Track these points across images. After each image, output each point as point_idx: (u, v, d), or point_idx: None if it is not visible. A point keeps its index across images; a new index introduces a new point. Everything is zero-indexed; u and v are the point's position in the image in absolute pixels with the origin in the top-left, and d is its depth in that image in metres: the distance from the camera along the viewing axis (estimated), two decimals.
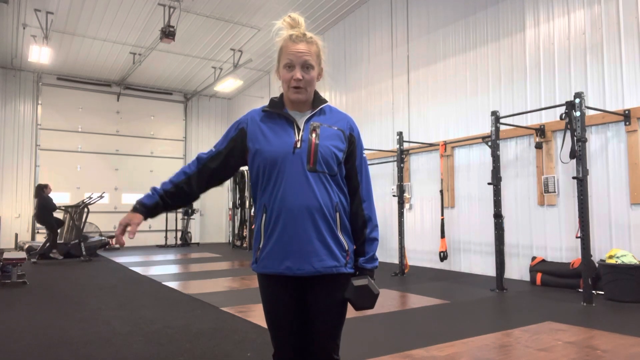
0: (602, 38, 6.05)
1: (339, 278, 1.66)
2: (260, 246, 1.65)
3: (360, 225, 1.72)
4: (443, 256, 7.17)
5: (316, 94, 1.73)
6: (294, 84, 1.63)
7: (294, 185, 1.58)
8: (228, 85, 13.73)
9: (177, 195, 1.72)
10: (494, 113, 6.17)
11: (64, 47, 11.66)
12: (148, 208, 1.68)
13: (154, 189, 1.71)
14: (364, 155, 1.78)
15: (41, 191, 9.89)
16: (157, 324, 4.29)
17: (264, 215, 1.63)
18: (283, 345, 1.69)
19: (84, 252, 9.93)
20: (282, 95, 1.73)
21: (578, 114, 5.18)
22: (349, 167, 1.73)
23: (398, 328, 4.14)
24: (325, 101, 1.74)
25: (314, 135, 1.63)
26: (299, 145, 1.62)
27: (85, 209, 10.29)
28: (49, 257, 9.77)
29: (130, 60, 12.42)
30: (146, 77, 14.10)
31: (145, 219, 1.68)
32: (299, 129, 1.65)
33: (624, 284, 5.06)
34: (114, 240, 10.92)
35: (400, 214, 7.60)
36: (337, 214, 1.64)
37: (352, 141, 1.73)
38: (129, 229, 1.64)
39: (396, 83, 9.29)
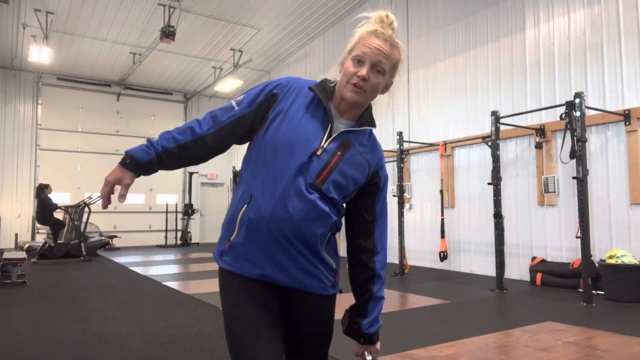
0: (602, 38, 6.05)
1: (325, 299, 1.45)
2: (232, 238, 1.38)
3: (366, 278, 1.48)
4: (443, 256, 7.17)
5: (369, 110, 1.48)
6: (355, 81, 1.33)
7: (291, 192, 1.32)
8: (228, 85, 13.74)
9: (179, 157, 1.40)
10: (494, 113, 6.17)
11: (64, 47, 11.66)
12: (141, 165, 1.36)
13: (150, 143, 1.37)
14: (387, 200, 1.54)
15: (41, 191, 9.90)
16: (157, 324, 4.29)
17: (246, 205, 1.35)
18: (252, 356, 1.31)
19: (84, 252, 9.93)
20: (335, 87, 1.42)
21: (578, 114, 5.18)
22: (366, 204, 1.48)
23: (398, 328, 4.14)
24: (374, 124, 1.48)
25: (339, 152, 1.37)
26: (319, 152, 1.35)
27: (86, 209, 10.29)
28: (51, 257, 9.74)
29: (130, 60, 12.42)
30: (146, 77, 14.10)
31: (137, 176, 1.38)
32: (330, 135, 1.37)
33: (624, 284, 5.06)
34: (112, 240, 10.93)
35: (400, 214, 7.60)
36: (329, 233, 1.41)
37: (376, 182, 1.47)
38: (118, 190, 1.36)
39: (396, 83, 9.22)
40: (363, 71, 1.32)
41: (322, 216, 1.35)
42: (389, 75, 1.41)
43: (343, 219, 1.50)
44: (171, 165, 1.41)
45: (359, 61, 1.34)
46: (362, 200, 1.48)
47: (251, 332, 1.32)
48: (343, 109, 1.41)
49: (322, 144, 1.36)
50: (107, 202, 1.35)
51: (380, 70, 1.36)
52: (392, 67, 1.40)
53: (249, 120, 1.41)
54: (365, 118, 1.46)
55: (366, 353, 1.53)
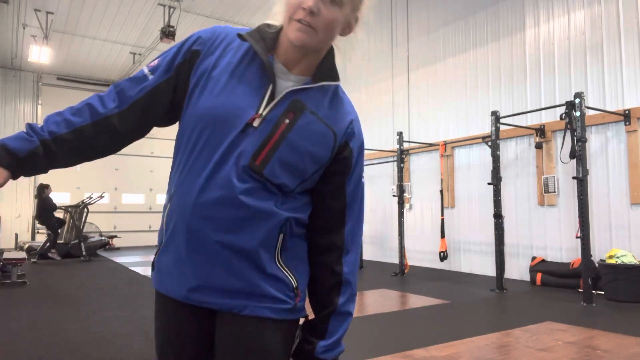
0: (602, 38, 6.05)
1: (279, 327, 1.04)
2: (160, 247, 1.09)
3: (329, 285, 1.09)
4: (443, 256, 7.17)
5: (329, 58, 1.07)
6: (300, 16, 0.96)
7: (220, 180, 0.98)
8: None
9: (77, 147, 1.04)
10: (494, 113, 6.17)
11: (64, 47, 11.66)
12: (20, 159, 0.98)
13: (31, 128, 1.00)
14: (363, 179, 1.14)
15: (42, 191, 9.90)
16: None
17: (169, 205, 1.06)
18: None
19: (84, 252, 9.93)
20: (278, 31, 1.05)
21: (578, 114, 5.18)
22: (332, 188, 1.09)
23: (398, 328, 4.14)
24: (337, 77, 1.07)
25: (287, 120, 1.01)
26: (256, 123, 0.99)
27: (85, 209, 10.29)
28: (48, 257, 9.76)
29: (130, 60, 12.41)
30: None
31: (14, 177, 0.99)
32: (271, 98, 1.01)
33: (624, 284, 5.06)
34: (112, 240, 10.91)
35: (400, 214, 7.59)
36: (281, 236, 1.03)
37: (345, 156, 1.08)
38: None
39: (396, 83, 9.29)
40: (310, 1, 0.94)
41: (259, 215, 0.99)
42: (350, 8, 1.01)
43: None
44: (65, 158, 1.04)
45: None
46: (326, 183, 1.09)
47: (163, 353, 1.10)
48: (291, 60, 1.03)
49: (260, 111, 0.99)
50: None
51: (337, 1, 0.97)
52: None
53: (168, 92, 1.06)
54: (324, 71, 1.06)
55: None
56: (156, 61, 1.08)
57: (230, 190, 0.97)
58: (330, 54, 1.07)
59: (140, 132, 1.09)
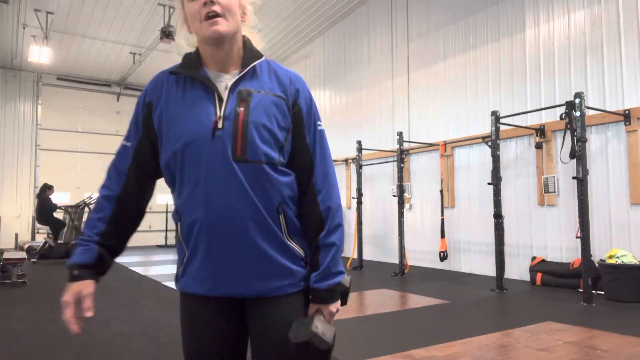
0: (602, 38, 6.05)
1: (296, 297, 1.21)
2: (184, 260, 1.23)
3: (315, 227, 1.23)
4: (443, 256, 7.17)
5: (247, 44, 1.26)
6: (204, 12, 1.12)
7: (216, 186, 1.13)
8: None
9: (122, 230, 1.24)
10: (494, 113, 6.17)
11: (64, 47, 11.66)
12: (93, 266, 1.18)
13: (83, 241, 1.20)
14: (320, 127, 1.27)
15: (42, 192, 9.92)
16: (157, 324, 4.29)
17: (179, 224, 1.22)
18: None
19: None
20: (198, 50, 1.23)
21: (578, 114, 5.18)
22: (295, 147, 1.23)
23: (398, 328, 4.14)
24: (261, 55, 1.26)
25: (242, 108, 1.15)
26: (220, 124, 1.13)
27: (86, 209, 10.29)
28: (51, 257, 9.72)
29: (130, 60, 12.42)
30: (146, 77, 14.08)
31: (97, 281, 1.20)
32: (221, 100, 1.16)
33: (624, 284, 5.06)
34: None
35: (400, 214, 7.59)
36: (281, 217, 1.18)
37: (298, 111, 1.22)
38: (84, 305, 1.14)
39: (396, 83, 9.29)
40: None
41: (264, 187, 1.15)
42: None
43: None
44: (122, 243, 1.25)
45: None
46: (294, 144, 1.23)
47: (194, 355, 1.22)
48: (220, 62, 1.20)
49: (218, 114, 1.14)
50: (75, 326, 1.15)
51: None
52: None
53: (148, 147, 1.23)
54: (248, 56, 1.23)
55: (316, 317, 1.17)
56: (126, 130, 1.27)
57: (235, 179, 1.13)
58: (246, 42, 1.26)
59: (150, 185, 1.30)
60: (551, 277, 6.10)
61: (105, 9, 9.82)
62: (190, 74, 1.19)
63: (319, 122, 1.28)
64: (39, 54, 10.34)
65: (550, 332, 3.88)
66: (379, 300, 5.33)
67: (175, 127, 1.17)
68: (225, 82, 1.20)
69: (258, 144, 1.14)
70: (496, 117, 6.14)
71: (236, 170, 1.13)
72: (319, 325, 1.15)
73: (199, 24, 1.15)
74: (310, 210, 1.23)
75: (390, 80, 9.44)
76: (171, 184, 1.25)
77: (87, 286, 1.16)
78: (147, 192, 1.29)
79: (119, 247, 1.25)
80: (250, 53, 1.25)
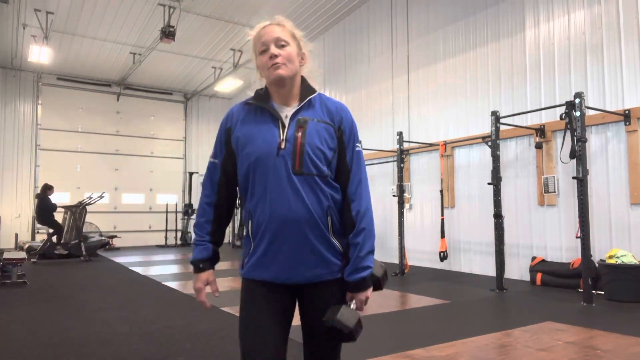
0: (602, 38, 6.05)
1: (334, 284, 1.53)
2: (250, 251, 1.54)
3: (349, 228, 1.54)
4: (443, 256, 7.17)
5: (304, 82, 1.59)
6: (271, 63, 1.49)
7: (279, 193, 1.45)
8: (228, 85, 13.74)
9: (221, 229, 1.63)
10: (494, 113, 6.17)
11: (64, 47, 11.66)
12: (211, 259, 1.58)
13: (199, 239, 1.59)
14: (357, 148, 1.58)
15: (43, 192, 9.92)
16: (157, 324, 4.29)
17: (250, 222, 1.53)
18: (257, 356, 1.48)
19: (84, 252, 9.93)
20: (267, 87, 1.58)
21: (578, 114, 5.18)
22: (339, 164, 1.55)
23: (398, 328, 4.14)
24: (315, 91, 1.58)
25: (299, 133, 1.48)
26: (283, 145, 1.47)
27: (84, 210, 10.30)
28: (52, 257, 9.74)
29: (130, 60, 12.42)
30: (146, 77, 14.10)
31: (213, 269, 1.61)
32: (284, 126, 1.50)
33: (624, 284, 5.06)
34: (112, 240, 10.97)
35: (400, 214, 7.59)
36: (329, 218, 1.50)
37: (341, 135, 1.55)
38: (209, 289, 1.57)
39: (396, 83, 9.29)
40: (272, 50, 1.49)
41: (316, 194, 1.47)
42: (295, 46, 1.54)
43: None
44: (222, 237, 1.63)
45: (264, 51, 1.52)
46: (338, 161, 1.55)
47: (251, 332, 1.49)
48: (284, 97, 1.54)
49: (282, 137, 1.47)
50: (209, 304, 1.58)
51: (283, 43, 1.51)
52: (292, 37, 1.54)
53: (230, 162, 1.58)
54: (305, 92, 1.56)
55: (344, 306, 1.47)
56: (213, 150, 1.62)
57: (293, 188, 1.45)
58: (304, 80, 1.59)
59: (234, 191, 1.64)
60: (551, 277, 6.10)
61: (105, 9, 9.82)
62: (261, 105, 1.53)
63: (357, 144, 1.58)
64: (39, 54, 10.34)
65: (550, 332, 3.88)
66: (379, 301, 5.33)
67: (249, 146, 1.50)
68: (286, 112, 1.53)
69: (311, 161, 1.46)
70: (496, 117, 6.14)
71: (295, 181, 1.45)
72: (345, 313, 1.44)
73: (267, 69, 1.51)
74: (346, 215, 1.53)
75: (390, 80, 9.44)
76: (244, 190, 1.55)
77: (210, 274, 1.57)
78: (234, 197, 1.64)
79: (221, 240, 1.63)
80: (306, 89, 1.57)
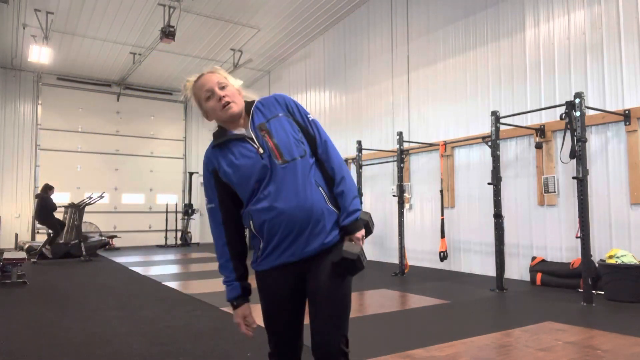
0: (602, 38, 6.05)
1: (333, 245, 1.69)
2: (261, 246, 1.69)
3: (331, 184, 1.72)
4: (443, 256, 7.16)
5: (245, 102, 1.78)
6: (220, 105, 1.69)
7: (278, 185, 1.63)
8: None
9: (241, 259, 1.78)
10: (494, 113, 6.17)
11: (64, 47, 11.66)
12: (242, 296, 1.75)
13: (227, 281, 1.76)
14: (311, 118, 1.79)
15: (43, 192, 9.92)
16: (157, 324, 4.29)
17: (251, 221, 1.68)
18: (280, 340, 1.71)
19: (84, 252, 9.93)
20: (220, 126, 1.79)
21: (578, 114, 5.18)
22: (307, 138, 1.75)
23: (398, 328, 4.14)
24: (253, 101, 1.78)
25: (265, 134, 1.68)
26: (261, 151, 1.66)
27: (85, 209, 10.30)
28: (43, 256, 9.71)
29: (130, 60, 12.41)
30: (146, 77, 14.10)
31: (249, 302, 1.77)
32: (251, 139, 1.69)
33: (624, 284, 5.06)
34: (112, 240, 10.98)
35: (400, 214, 7.59)
36: (320, 189, 1.68)
37: (292, 115, 1.75)
38: (248, 321, 1.74)
39: (396, 83, 9.29)
40: (216, 94, 1.69)
41: (304, 172, 1.66)
42: (231, 85, 1.76)
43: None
44: (245, 264, 1.79)
45: (209, 97, 1.71)
46: (305, 136, 1.74)
47: (272, 320, 1.72)
48: (237, 124, 1.75)
49: (256, 146, 1.68)
50: (249, 334, 1.75)
51: (224, 85, 1.72)
52: (225, 78, 1.75)
53: (227, 195, 1.75)
54: (248, 107, 1.77)
55: (345, 243, 1.67)
56: (205, 198, 1.80)
57: (287, 177, 1.64)
58: (247, 103, 1.78)
59: (239, 216, 1.76)
60: (551, 277, 6.10)
61: (105, 9, 9.81)
62: (226, 139, 1.72)
63: (308, 115, 1.78)
64: (39, 54, 10.34)
65: (550, 332, 3.88)
66: (379, 300, 5.33)
67: (239, 171, 1.67)
68: (244, 131, 1.73)
69: (287, 148, 1.66)
70: (496, 117, 6.14)
71: (285, 169, 1.63)
72: (348, 245, 1.65)
73: (220, 112, 1.70)
74: (325, 175, 1.72)
75: (390, 80, 9.44)
76: (248, 200, 1.69)
77: (245, 309, 1.75)
78: (241, 225, 1.77)
79: (246, 271, 1.78)
80: (249, 105, 1.77)
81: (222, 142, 1.73)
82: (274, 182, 1.63)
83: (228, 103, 1.69)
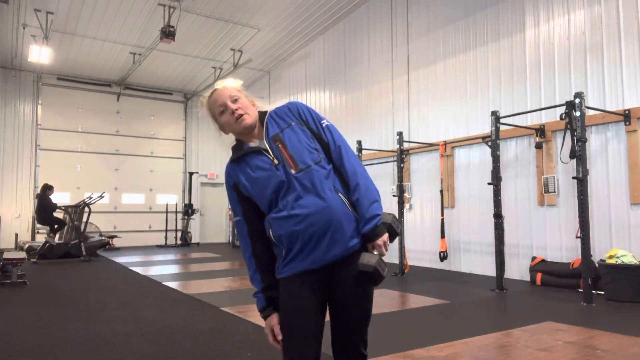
0: (602, 38, 6.05)
1: (353, 256, 1.67)
2: (283, 254, 1.68)
3: (349, 190, 1.70)
4: (443, 256, 7.17)
5: (261, 114, 1.79)
6: (235, 117, 1.70)
7: (294, 194, 1.63)
8: None
9: (267, 269, 1.76)
10: (494, 113, 6.17)
11: (64, 47, 11.66)
12: (268, 306, 1.73)
13: (257, 292, 1.76)
14: (326, 124, 1.77)
15: (43, 191, 9.92)
16: (157, 324, 4.29)
17: (270, 230, 1.69)
18: (297, 353, 1.64)
19: (84, 252, 9.93)
20: (237, 140, 1.81)
21: (578, 114, 5.18)
22: (321, 145, 1.73)
23: (398, 328, 4.14)
24: (266, 112, 1.79)
25: (280, 145, 1.69)
26: (276, 162, 1.67)
27: (87, 209, 10.30)
28: (44, 256, 9.71)
29: (130, 60, 12.41)
30: (146, 77, 14.10)
31: (277, 312, 1.72)
32: (267, 150, 1.70)
33: (624, 284, 5.06)
34: (112, 240, 10.98)
35: (400, 214, 7.59)
36: (340, 194, 1.66)
37: (307, 123, 1.75)
38: (275, 331, 1.70)
39: (396, 83, 9.28)
40: (231, 106, 1.71)
41: (320, 178, 1.64)
42: (244, 96, 1.77)
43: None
44: (273, 274, 1.74)
45: (223, 111, 1.73)
46: (319, 143, 1.73)
47: (293, 327, 1.66)
48: (254, 136, 1.76)
49: (271, 158, 1.68)
50: (279, 346, 1.69)
51: (236, 98, 1.73)
52: (238, 92, 1.76)
53: (250, 207, 1.76)
54: (261, 118, 1.78)
55: (363, 254, 1.62)
56: (230, 209, 1.84)
57: (305, 185, 1.63)
58: (261, 114, 1.79)
59: (263, 229, 1.74)
60: (551, 277, 6.10)
61: (105, 9, 9.81)
62: (242, 153, 1.74)
63: (323, 121, 1.76)
64: (39, 54, 10.34)
65: (550, 332, 3.88)
66: (379, 300, 5.33)
67: (256, 184, 1.69)
68: (260, 142, 1.73)
69: (300, 157, 1.66)
70: (496, 117, 6.14)
71: (301, 178, 1.63)
72: (365, 256, 1.59)
73: (234, 125, 1.72)
74: (341, 180, 1.70)
75: (390, 80, 9.44)
76: (268, 210, 1.70)
77: (272, 319, 1.70)
78: (265, 236, 1.74)
79: (273, 281, 1.73)
80: (262, 116, 1.77)
81: (240, 156, 1.74)
82: (290, 191, 1.63)
83: (241, 115, 1.70)
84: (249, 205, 1.76)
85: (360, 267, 1.58)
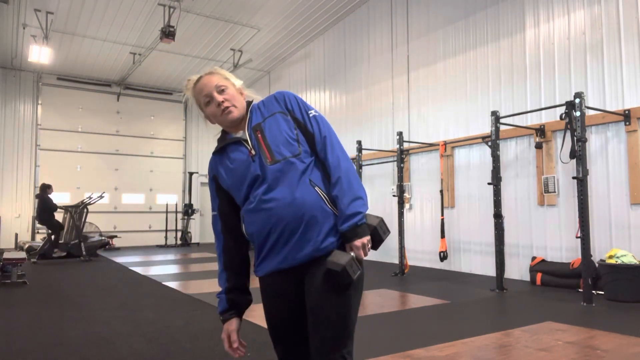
0: (602, 38, 6.05)
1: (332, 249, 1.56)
2: (260, 254, 1.61)
3: (331, 185, 1.57)
4: (443, 256, 7.16)
5: (247, 104, 1.70)
6: (220, 109, 1.61)
7: (267, 186, 1.53)
8: None
9: (233, 269, 1.68)
10: (494, 113, 6.17)
11: (64, 47, 11.66)
12: (229, 308, 1.65)
13: (219, 294, 1.68)
14: (313, 114, 1.65)
15: (43, 191, 9.91)
16: (157, 324, 4.29)
17: (243, 224, 1.63)
18: (286, 347, 1.62)
19: (84, 252, 9.93)
20: (223, 130, 1.73)
21: (578, 114, 5.18)
22: (305, 135, 1.63)
23: (398, 328, 4.14)
24: (252, 101, 1.72)
25: (259, 135, 1.60)
26: (253, 152, 1.59)
27: (85, 209, 10.29)
28: (51, 257, 9.75)
29: (130, 60, 12.41)
30: (146, 77, 14.10)
31: (239, 318, 1.66)
32: (246, 140, 1.62)
33: (624, 284, 5.06)
34: (112, 240, 10.97)
35: (400, 214, 7.59)
36: (316, 189, 1.54)
37: (291, 110, 1.65)
38: (232, 338, 1.62)
39: (396, 83, 9.28)
40: (215, 99, 1.62)
41: (295, 170, 1.54)
42: (231, 85, 1.67)
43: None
44: (241, 280, 1.68)
45: (209, 102, 1.64)
46: (304, 134, 1.63)
47: (274, 326, 1.63)
48: (237, 127, 1.68)
49: (250, 150, 1.60)
50: (235, 352, 1.63)
51: (223, 88, 1.63)
52: (225, 79, 1.66)
53: (227, 203, 1.69)
54: (247, 106, 1.69)
55: (335, 251, 1.50)
56: (211, 203, 1.74)
57: (278, 178, 1.54)
58: (246, 103, 1.70)
59: (242, 236, 1.68)
60: (551, 277, 6.10)
61: (105, 9, 9.81)
62: (224, 144, 1.66)
63: (310, 111, 1.65)
64: (39, 54, 10.34)
65: (550, 332, 3.88)
66: (379, 300, 5.33)
67: (232, 176, 1.62)
68: (242, 132, 1.66)
69: (277, 148, 1.57)
70: (496, 117, 6.14)
71: (275, 170, 1.53)
72: (336, 254, 1.47)
73: (220, 117, 1.64)
74: (326, 174, 1.59)
75: (390, 80, 9.44)
76: (242, 204, 1.63)
77: (231, 324, 1.64)
78: (243, 243, 1.69)
79: (241, 284, 1.68)
80: (248, 105, 1.69)
81: (221, 147, 1.68)
82: (263, 183, 1.54)
83: (227, 108, 1.61)
84: (227, 200, 1.68)
85: (328, 264, 1.45)
